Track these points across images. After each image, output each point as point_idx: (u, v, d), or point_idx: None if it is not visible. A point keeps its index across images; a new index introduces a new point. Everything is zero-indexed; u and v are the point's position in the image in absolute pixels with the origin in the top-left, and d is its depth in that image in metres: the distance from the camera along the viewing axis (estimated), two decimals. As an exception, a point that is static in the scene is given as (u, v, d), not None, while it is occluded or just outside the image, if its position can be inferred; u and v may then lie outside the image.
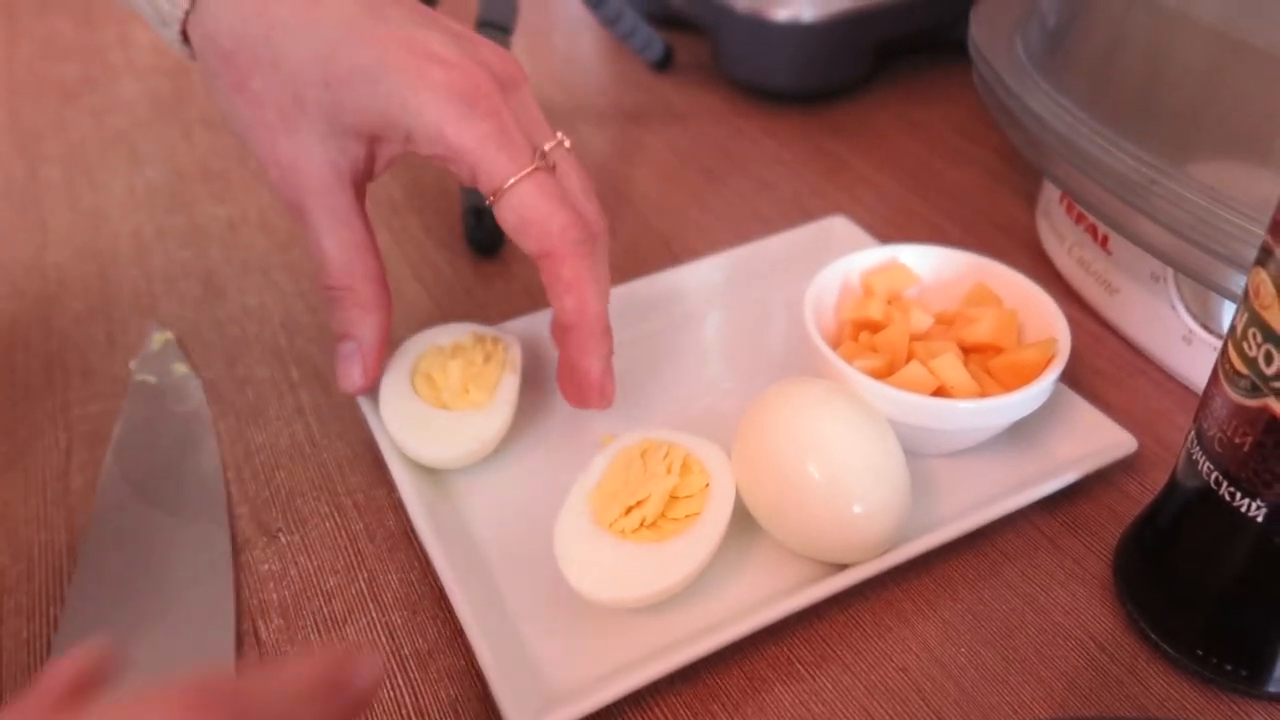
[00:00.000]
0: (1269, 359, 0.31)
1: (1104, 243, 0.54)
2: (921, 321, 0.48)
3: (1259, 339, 0.31)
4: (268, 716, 0.21)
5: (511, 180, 0.38)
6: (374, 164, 0.42)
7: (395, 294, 0.46)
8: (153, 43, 0.89)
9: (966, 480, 0.46)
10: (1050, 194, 0.60)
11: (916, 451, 0.45)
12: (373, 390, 0.46)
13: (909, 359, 0.46)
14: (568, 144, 0.42)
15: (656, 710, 0.38)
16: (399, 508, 0.46)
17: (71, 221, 0.67)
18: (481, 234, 0.62)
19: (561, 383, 0.44)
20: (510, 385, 0.46)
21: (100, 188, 0.71)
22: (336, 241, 0.42)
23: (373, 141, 0.41)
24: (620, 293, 0.49)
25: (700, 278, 0.57)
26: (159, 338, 0.56)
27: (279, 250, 0.64)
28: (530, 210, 0.38)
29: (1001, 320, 0.47)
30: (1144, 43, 0.49)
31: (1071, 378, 0.51)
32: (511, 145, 0.38)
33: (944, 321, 0.49)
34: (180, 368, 0.54)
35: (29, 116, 0.80)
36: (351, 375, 0.44)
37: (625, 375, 0.48)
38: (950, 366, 0.44)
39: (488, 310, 0.59)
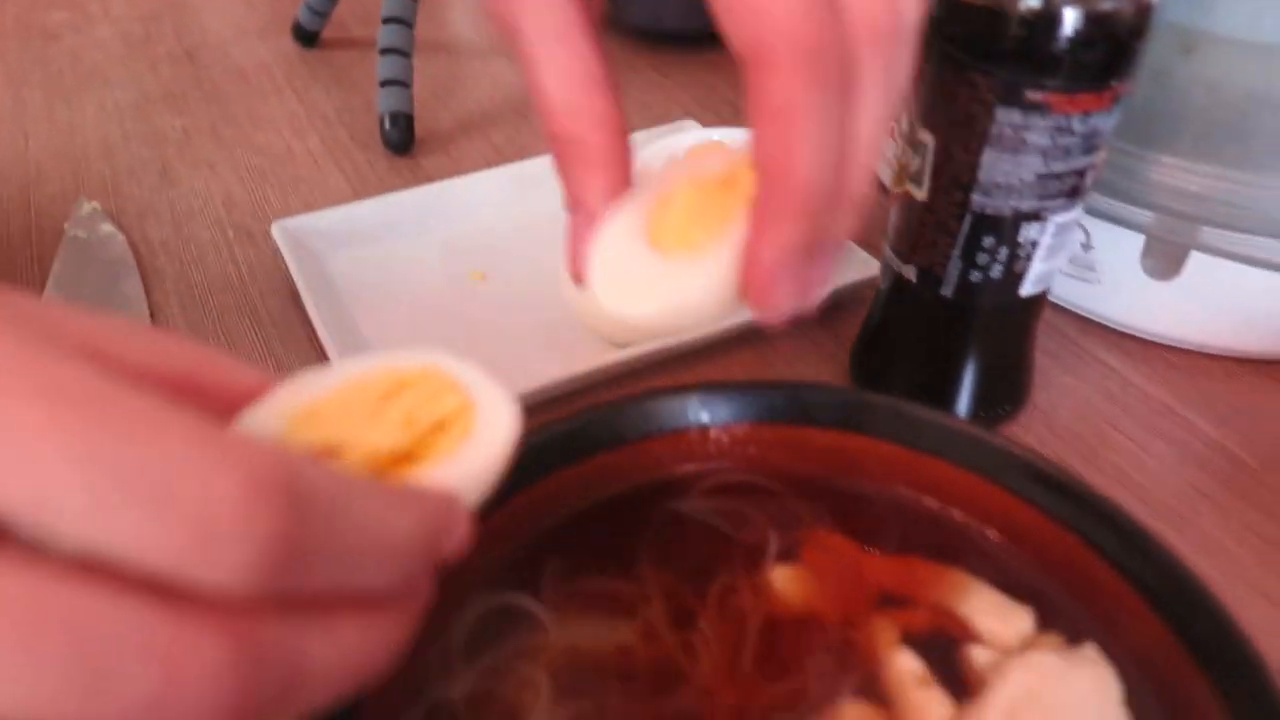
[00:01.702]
0: (906, 155, 0.44)
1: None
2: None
3: (902, 142, 0.44)
4: (337, 536, 0.18)
5: None
6: None
7: (320, 184, 0.56)
8: (127, -6, 1.02)
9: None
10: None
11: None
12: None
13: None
14: None
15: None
16: (307, 323, 0.58)
17: (49, 131, 0.79)
18: (395, 136, 0.75)
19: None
20: None
21: (76, 107, 0.83)
22: (558, 73, 0.30)
23: None
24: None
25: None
26: (87, 206, 0.68)
27: (225, 149, 0.77)
28: None
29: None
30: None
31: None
32: None
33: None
34: (106, 227, 0.66)
35: (15, 55, 0.92)
36: (573, 262, 0.32)
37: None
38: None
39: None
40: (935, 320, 0.47)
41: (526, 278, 0.59)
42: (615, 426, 0.40)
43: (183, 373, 0.21)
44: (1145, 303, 0.55)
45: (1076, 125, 0.39)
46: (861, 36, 0.24)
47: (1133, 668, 0.33)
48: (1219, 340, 0.55)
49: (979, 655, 0.34)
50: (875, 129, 0.25)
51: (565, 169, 0.31)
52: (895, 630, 0.35)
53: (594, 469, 0.39)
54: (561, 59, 0.30)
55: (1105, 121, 0.39)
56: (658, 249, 0.30)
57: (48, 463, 0.15)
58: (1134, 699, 0.32)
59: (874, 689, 0.33)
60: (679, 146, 0.62)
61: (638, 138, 0.61)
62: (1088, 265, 0.56)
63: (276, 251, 0.60)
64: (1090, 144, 0.40)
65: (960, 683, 0.33)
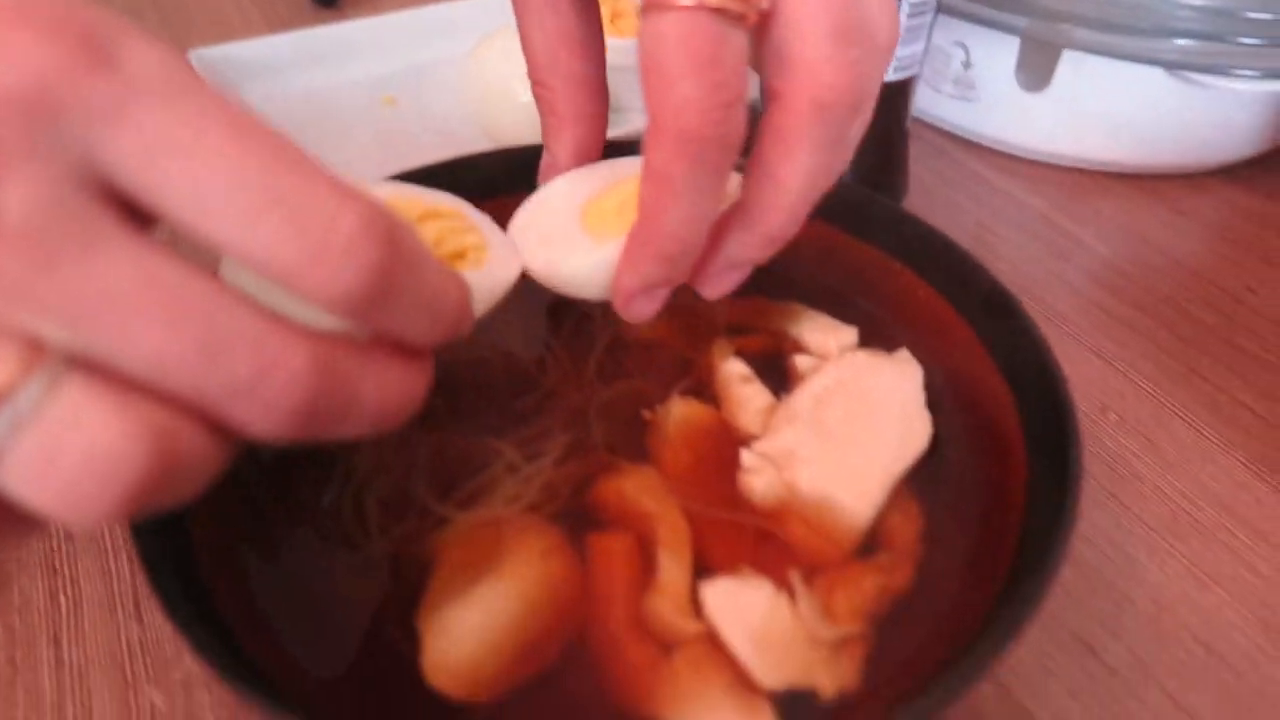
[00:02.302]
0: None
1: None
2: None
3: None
4: (413, 286, 0.21)
5: None
6: None
7: (244, 29, 0.56)
8: None
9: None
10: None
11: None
12: None
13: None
14: None
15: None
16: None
17: None
18: (320, -11, 0.76)
19: None
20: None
21: None
22: (540, 27, 0.34)
23: None
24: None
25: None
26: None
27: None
28: (655, 55, 0.25)
29: None
30: None
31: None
32: None
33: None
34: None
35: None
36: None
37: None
38: None
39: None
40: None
41: (434, 100, 0.61)
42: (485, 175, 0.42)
43: None
44: (1021, 117, 0.57)
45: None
46: (803, 112, 0.27)
47: (940, 370, 0.36)
48: (1092, 153, 0.57)
49: (802, 361, 0.37)
50: (806, 181, 0.28)
51: (541, 116, 0.35)
52: (730, 348, 0.38)
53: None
54: (548, 19, 0.33)
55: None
56: (583, 221, 0.34)
57: (223, 165, 0.19)
58: (938, 394, 0.35)
59: (705, 392, 0.36)
60: None
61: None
62: (968, 84, 0.58)
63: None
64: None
65: (783, 382, 0.36)
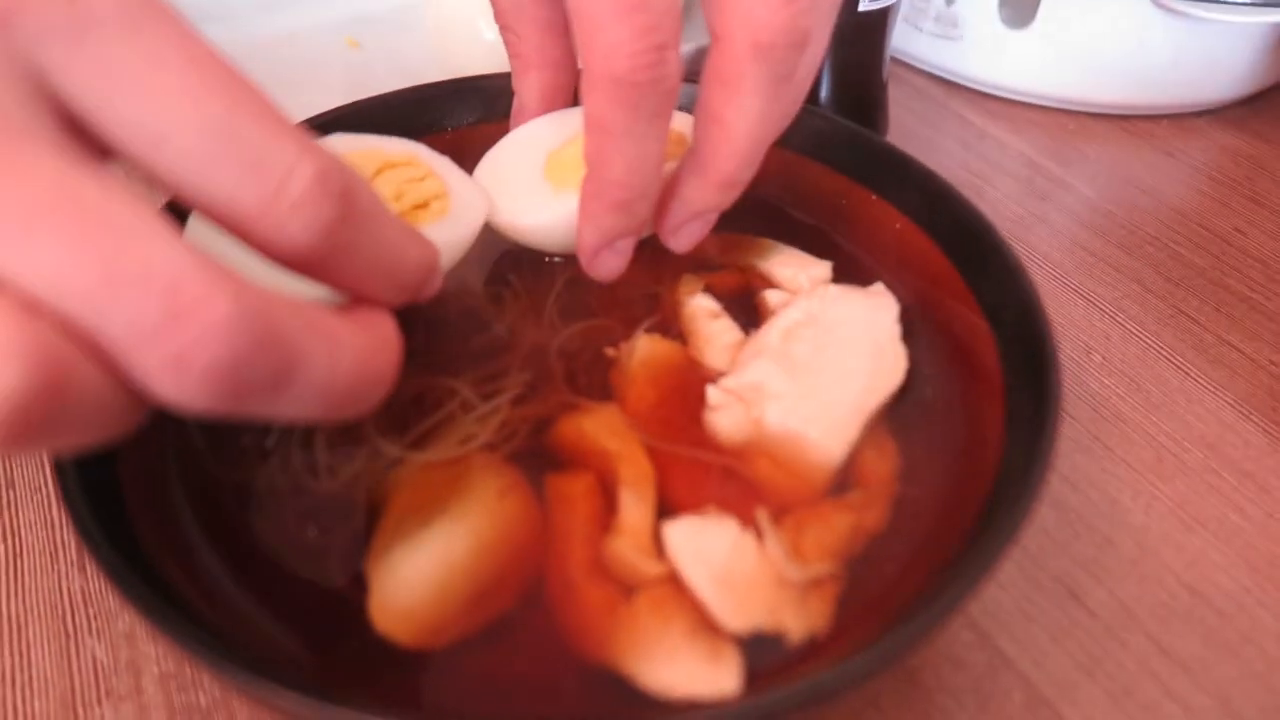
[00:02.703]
0: None
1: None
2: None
3: None
4: (368, 240, 0.21)
5: None
6: None
7: None
8: None
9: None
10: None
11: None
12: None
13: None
14: None
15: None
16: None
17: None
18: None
19: None
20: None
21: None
22: None
23: None
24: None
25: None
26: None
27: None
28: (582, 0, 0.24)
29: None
30: None
31: None
32: None
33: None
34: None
35: None
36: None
37: None
38: None
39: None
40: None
41: (397, 42, 0.59)
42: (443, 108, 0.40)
43: None
44: (1004, 56, 0.56)
45: None
46: (742, 54, 0.26)
47: (917, 303, 0.35)
48: (1077, 92, 0.56)
49: (772, 296, 0.35)
50: (753, 123, 0.27)
51: (509, 60, 0.35)
52: (699, 283, 0.36)
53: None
54: None
55: None
56: (546, 171, 0.33)
57: (182, 101, 0.18)
58: (914, 328, 0.34)
59: (671, 329, 0.35)
60: None
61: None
62: (950, 21, 0.56)
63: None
64: None
65: (753, 319, 0.35)
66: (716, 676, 0.25)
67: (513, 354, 0.34)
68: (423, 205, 0.31)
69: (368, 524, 0.29)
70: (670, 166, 0.31)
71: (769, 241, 0.38)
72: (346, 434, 0.31)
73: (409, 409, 0.31)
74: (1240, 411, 0.39)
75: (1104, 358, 0.41)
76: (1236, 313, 0.44)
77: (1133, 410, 0.39)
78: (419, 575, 0.27)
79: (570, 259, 0.33)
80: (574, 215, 0.30)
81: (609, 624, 0.26)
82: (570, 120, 0.34)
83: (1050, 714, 0.30)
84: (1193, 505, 0.36)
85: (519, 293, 0.36)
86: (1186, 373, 0.41)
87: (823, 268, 0.36)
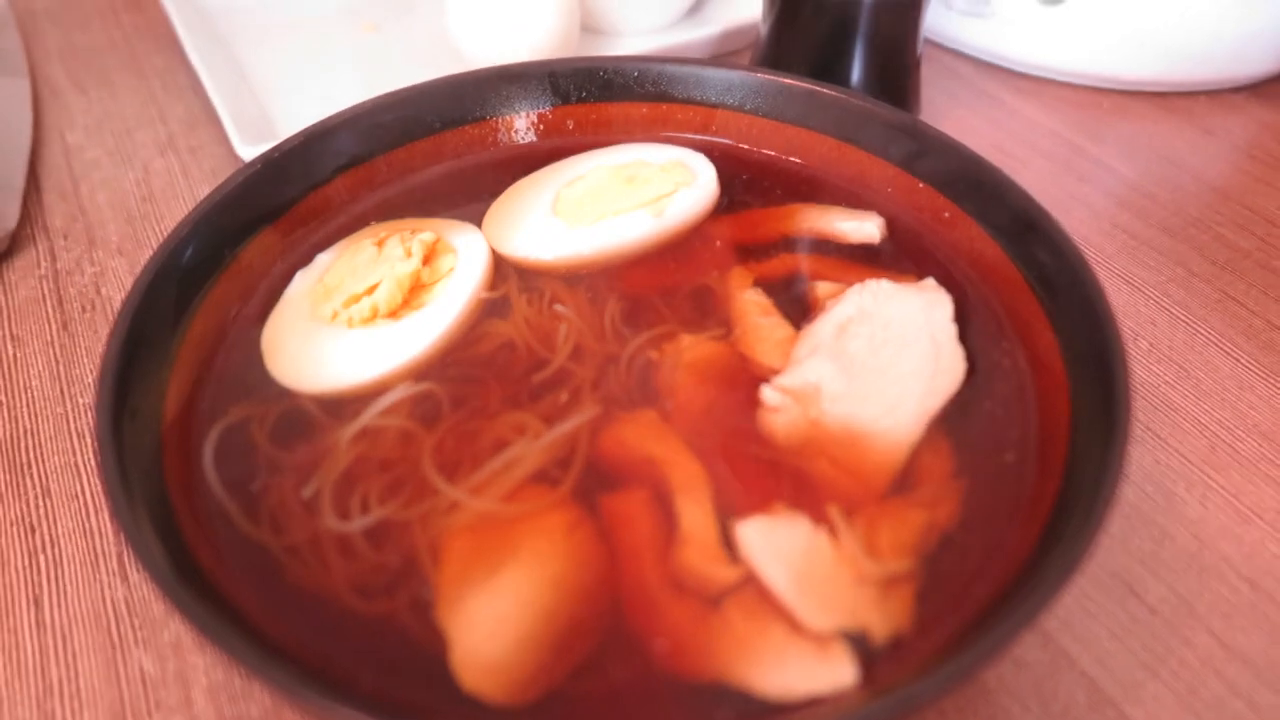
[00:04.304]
0: None
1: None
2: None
3: None
4: None
5: None
6: None
7: None
8: None
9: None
10: None
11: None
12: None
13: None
14: None
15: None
16: (190, 72, 0.56)
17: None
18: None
19: None
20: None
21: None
22: None
23: None
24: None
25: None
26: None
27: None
28: None
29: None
30: None
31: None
32: None
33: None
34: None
35: None
36: None
37: None
38: None
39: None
40: (820, 31, 0.47)
41: (414, 27, 0.58)
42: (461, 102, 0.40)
43: None
44: (1038, 33, 0.54)
45: None
46: None
47: (972, 294, 0.34)
48: (1112, 69, 0.55)
49: (823, 288, 0.34)
50: None
51: None
52: (749, 276, 0.35)
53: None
54: None
55: None
56: (555, 209, 0.37)
57: None
58: (969, 317, 0.33)
59: (719, 324, 0.34)
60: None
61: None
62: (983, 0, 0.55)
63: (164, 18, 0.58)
64: None
65: (803, 311, 0.34)
66: (832, 671, 0.24)
67: (571, 381, 0.32)
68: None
69: (418, 564, 0.27)
70: (664, 193, 0.37)
71: (815, 206, 0.37)
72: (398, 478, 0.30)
73: (463, 450, 0.30)
74: (1294, 399, 0.38)
75: (1151, 344, 0.41)
76: (1285, 296, 0.43)
77: (1183, 398, 0.38)
78: (504, 624, 0.25)
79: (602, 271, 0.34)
80: (591, 248, 0.35)
81: (703, 637, 0.25)
82: (572, 165, 0.39)
83: (1115, 714, 0.29)
84: (1249, 496, 0.35)
85: (574, 322, 0.35)
86: (1237, 359, 0.40)
87: (874, 222, 0.36)
